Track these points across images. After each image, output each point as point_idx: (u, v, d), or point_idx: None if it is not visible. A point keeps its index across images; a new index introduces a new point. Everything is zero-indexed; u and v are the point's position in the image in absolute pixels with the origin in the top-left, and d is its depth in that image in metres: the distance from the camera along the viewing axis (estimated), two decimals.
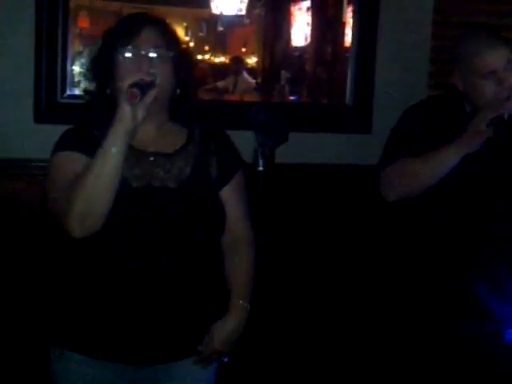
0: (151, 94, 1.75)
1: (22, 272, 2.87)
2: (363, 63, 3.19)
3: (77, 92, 2.92)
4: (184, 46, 2.04)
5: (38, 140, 2.82)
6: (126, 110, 1.72)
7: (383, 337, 2.69)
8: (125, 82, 1.73)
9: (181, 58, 1.93)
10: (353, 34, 3.21)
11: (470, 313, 2.35)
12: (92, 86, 1.96)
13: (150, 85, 1.75)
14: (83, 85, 2.06)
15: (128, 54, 1.86)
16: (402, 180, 2.38)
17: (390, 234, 2.79)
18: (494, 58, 2.28)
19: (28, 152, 2.84)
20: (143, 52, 1.86)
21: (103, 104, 1.90)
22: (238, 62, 3.89)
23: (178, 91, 1.94)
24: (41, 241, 2.84)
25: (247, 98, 3.82)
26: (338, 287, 3.20)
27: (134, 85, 1.71)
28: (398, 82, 3.19)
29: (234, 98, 3.60)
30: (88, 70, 1.97)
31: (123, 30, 1.90)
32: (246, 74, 3.89)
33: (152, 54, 1.86)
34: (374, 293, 3.10)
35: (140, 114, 1.74)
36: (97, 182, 1.72)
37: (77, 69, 2.96)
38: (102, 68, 1.91)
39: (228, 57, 4.10)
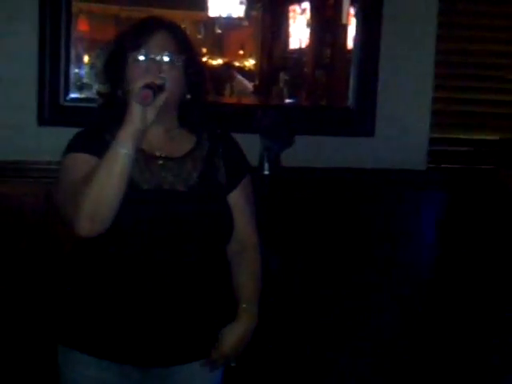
0: (161, 97, 1.75)
1: (28, 273, 2.86)
2: (366, 65, 3.19)
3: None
4: (196, 51, 2.01)
5: (41, 142, 2.84)
6: (136, 111, 1.72)
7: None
8: (137, 84, 1.72)
9: (191, 64, 1.93)
10: (355, 36, 3.20)
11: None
12: (104, 88, 1.96)
13: (160, 88, 1.75)
14: (96, 87, 2.05)
15: (139, 57, 1.86)
16: None
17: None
18: None
19: (31, 154, 2.83)
20: (153, 55, 1.86)
21: (114, 106, 1.90)
22: (227, 69, 3.91)
23: (188, 96, 1.94)
24: (45, 242, 2.84)
25: (246, 101, 3.82)
26: (344, 292, 3.20)
27: (146, 86, 1.71)
28: (402, 84, 3.19)
29: (238, 101, 3.61)
30: (101, 71, 1.97)
31: (135, 33, 1.90)
32: (240, 77, 3.90)
33: (162, 58, 1.86)
34: (380, 298, 3.13)
35: (150, 115, 1.74)
36: (105, 183, 1.72)
37: (82, 71, 2.98)
38: (114, 70, 1.91)
39: (225, 59, 4.11)
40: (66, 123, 2.66)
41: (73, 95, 2.90)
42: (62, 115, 2.85)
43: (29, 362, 2.88)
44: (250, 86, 3.88)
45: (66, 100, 2.88)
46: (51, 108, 2.85)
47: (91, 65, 2.96)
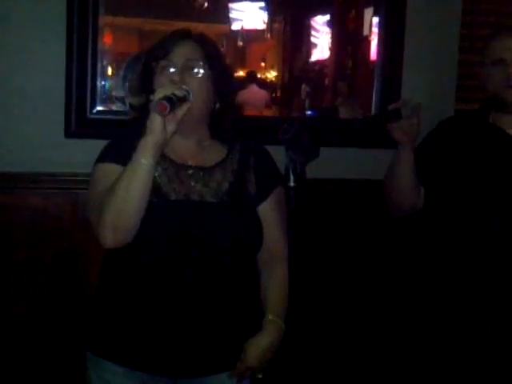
0: (183, 109, 1.77)
1: (54, 282, 2.90)
2: (389, 77, 3.19)
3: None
4: (225, 61, 2.03)
5: (67, 154, 2.86)
6: (156, 122, 1.73)
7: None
8: (157, 94, 1.74)
9: (221, 73, 1.94)
10: (378, 48, 3.20)
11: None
12: (136, 101, 1.99)
13: (182, 99, 1.76)
14: (128, 100, 2.08)
15: (163, 69, 1.89)
16: (387, 195, 2.47)
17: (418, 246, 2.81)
18: (504, 45, 2.28)
19: (58, 166, 2.87)
20: (176, 65, 1.88)
21: (145, 117, 1.89)
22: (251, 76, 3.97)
23: (218, 105, 1.96)
24: (71, 252, 2.87)
25: (267, 113, 3.83)
26: (371, 303, 3.22)
27: (166, 98, 1.72)
28: (425, 95, 3.16)
29: (268, 113, 3.63)
30: (132, 84, 1.99)
31: (160, 46, 1.93)
32: (254, 87, 3.93)
33: (185, 68, 1.88)
34: (405, 308, 3.12)
35: (170, 127, 1.76)
36: (126, 194, 1.74)
37: (107, 83, 3.01)
38: (145, 82, 1.94)
39: (247, 71, 4.14)
40: (93, 136, 2.68)
41: (99, 108, 2.92)
42: (89, 128, 2.87)
43: (58, 369, 2.91)
44: (265, 96, 3.90)
45: (92, 113, 2.90)
46: (78, 121, 2.87)
47: (123, 77, 2.98)
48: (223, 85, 1.95)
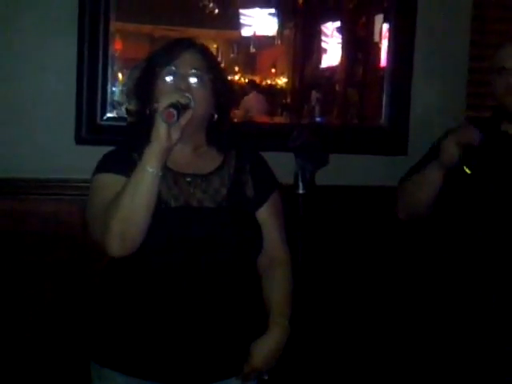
0: (186, 116, 1.78)
1: (62, 290, 2.91)
2: (399, 84, 3.19)
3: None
4: (224, 72, 2.06)
5: (78, 161, 2.85)
6: (161, 130, 1.74)
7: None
8: (162, 102, 1.75)
9: (219, 83, 1.97)
10: (388, 54, 3.21)
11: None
12: (133, 106, 1.99)
13: (185, 107, 1.77)
14: (126, 105, 2.09)
15: (167, 75, 1.91)
16: (402, 200, 2.45)
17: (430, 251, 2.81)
18: (507, 54, 2.34)
19: (69, 172, 2.88)
20: (181, 73, 1.90)
21: (143, 124, 1.92)
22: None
23: (216, 116, 1.98)
24: (81, 259, 2.87)
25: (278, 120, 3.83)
26: (379, 310, 3.21)
27: (171, 106, 1.73)
28: (435, 102, 3.19)
29: (279, 120, 3.63)
30: (130, 90, 2.00)
31: (166, 51, 1.95)
32: (254, 93, 3.94)
33: (190, 76, 1.90)
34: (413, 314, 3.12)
35: (175, 134, 1.76)
36: (133, 202, 1.74)
37: (117, 90, 3.02)
38: (144, 88, 1.95)
39: (258, 77, 4.15)
40: (103, 142, 2.68)
41: (110, 114, 2.93)
42: (99, 134, 2.88)
43: (62, 377, 2.91)
44: (262, 100, 3.91)
45: (102, 119, 2.91)
46: (88, 127, 2.88)
47: (124, 83, 3.00)
48: (222, 94, 1.97)
